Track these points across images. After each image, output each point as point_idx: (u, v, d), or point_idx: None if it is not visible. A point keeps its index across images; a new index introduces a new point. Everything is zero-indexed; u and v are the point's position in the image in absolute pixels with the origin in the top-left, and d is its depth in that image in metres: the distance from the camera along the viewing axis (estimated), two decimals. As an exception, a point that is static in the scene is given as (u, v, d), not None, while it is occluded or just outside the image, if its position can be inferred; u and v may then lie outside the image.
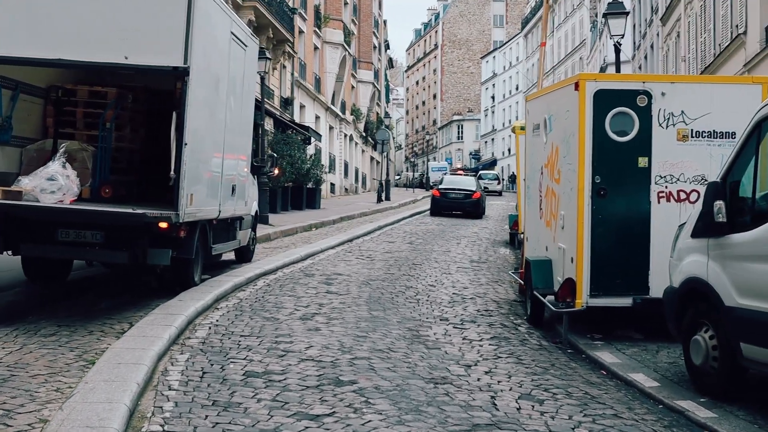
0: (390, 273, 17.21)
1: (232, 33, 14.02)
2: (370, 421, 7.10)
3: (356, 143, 72.43)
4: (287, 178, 36.79)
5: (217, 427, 6.73)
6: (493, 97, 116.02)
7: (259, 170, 18.67)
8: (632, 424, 7.48)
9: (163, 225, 11.71)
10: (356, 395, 7.88)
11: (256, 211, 18.32)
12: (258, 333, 10.56)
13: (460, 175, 48.26)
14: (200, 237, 13.35)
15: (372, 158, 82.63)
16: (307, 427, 6.82)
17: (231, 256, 18.29)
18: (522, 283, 13.82)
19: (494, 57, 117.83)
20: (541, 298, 11.93)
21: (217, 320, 11.30)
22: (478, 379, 8.84)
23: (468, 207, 38.19)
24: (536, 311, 12.40)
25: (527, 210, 14.42)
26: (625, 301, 10.95)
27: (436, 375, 8.90)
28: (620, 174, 11.00)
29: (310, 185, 41.41)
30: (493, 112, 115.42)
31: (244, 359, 9.11)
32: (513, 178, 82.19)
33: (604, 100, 11.00)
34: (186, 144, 11.72)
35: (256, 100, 31.77)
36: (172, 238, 12.15)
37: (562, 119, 11.89)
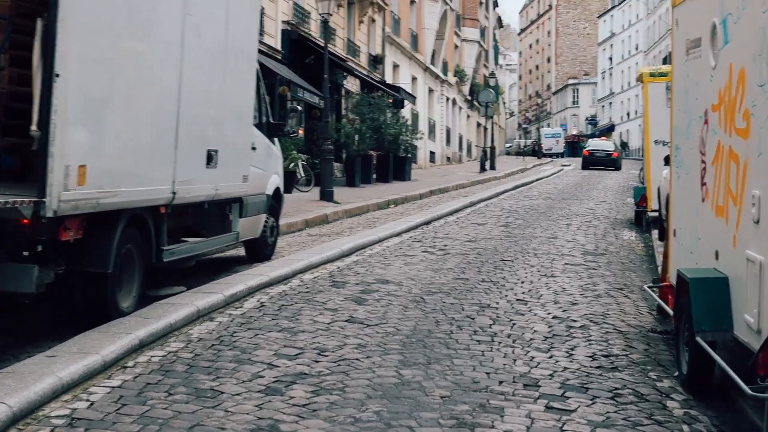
0: (463, 278, 11.71)
1: None
2: None
3: (460, 108, 66.55)
4: (368, 144, 31.52)
5: None
6: (611, 59, 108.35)
7: (278, 130, 13.12)
8: None
9: (24, 222, 6.61)
10: None
11: (277, 188, 12.96)
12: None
13: (603, 140, 63.58)
14: (130, 236, 8.19)
15: (479, 124, 76.52)
16: None
17: (242, 252, 13.13)
18: (669, 311, 8.24)
19: (612, 16, 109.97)
20: (713, 354, 6.36)
21: (89, 405, 5.97)
22: None
23: (608, 162, 52.31)
24: (699, 368, 6.83)
25: (676, 185, 8.73)
26: None
27: None
28: None
29: (401, 153, 36.06)
30: (611, 75, 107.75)
31: None
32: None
33: None
34: (58, 75, 6.56)
35: (319, 47, 26.71)
36: (53, 244, 7.02)
37: (751, 16, 6.23)
